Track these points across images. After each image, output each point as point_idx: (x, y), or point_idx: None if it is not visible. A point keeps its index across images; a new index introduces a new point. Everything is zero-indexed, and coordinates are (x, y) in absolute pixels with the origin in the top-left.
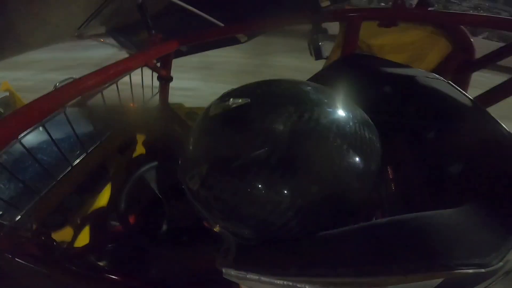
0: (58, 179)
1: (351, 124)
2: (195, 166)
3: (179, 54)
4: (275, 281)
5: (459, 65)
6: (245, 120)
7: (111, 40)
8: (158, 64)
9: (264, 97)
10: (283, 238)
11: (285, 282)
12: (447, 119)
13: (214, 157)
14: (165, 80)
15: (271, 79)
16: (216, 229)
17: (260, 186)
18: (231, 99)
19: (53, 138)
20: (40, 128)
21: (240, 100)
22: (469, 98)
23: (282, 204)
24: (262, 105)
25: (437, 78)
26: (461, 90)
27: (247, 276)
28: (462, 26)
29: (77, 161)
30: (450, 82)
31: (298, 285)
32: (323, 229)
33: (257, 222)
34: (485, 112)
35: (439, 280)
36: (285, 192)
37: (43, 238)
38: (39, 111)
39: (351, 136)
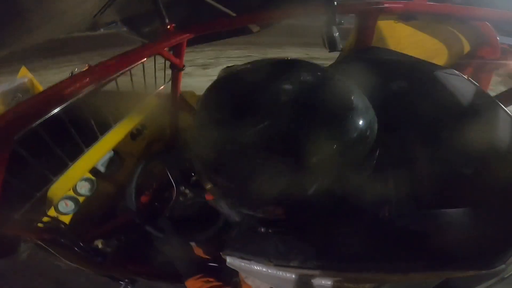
0: (72, 163)
1: (348, 105)
2: (202, 142)
3: (192, 43)
4: (277, 272)
5: (482, 62)
6: (247, 96)
7: (125, 29)
8: (171, 53)
9: (264, 68)
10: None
11: (287, 274)
12: (463, 117)
13: (218, 135)
14: (177, 68)
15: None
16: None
17: (262, 162)
18: (234, 66)
19: (69, 123)
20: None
21: (242, 66)
22: (489, 96)
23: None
24: (262, 78)
25: (456, 74)
26: (480, 87)
27: (250, 266)
28: (487, 22)
29: (91, 146)
30: (470, 79)
31: (300, 277)
32: (317, 214)
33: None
34: (504, 111)
35: (440, 279)
36: (283, 169)
37: (54, 223)
38: (56, 97)
39: (347, 113)
